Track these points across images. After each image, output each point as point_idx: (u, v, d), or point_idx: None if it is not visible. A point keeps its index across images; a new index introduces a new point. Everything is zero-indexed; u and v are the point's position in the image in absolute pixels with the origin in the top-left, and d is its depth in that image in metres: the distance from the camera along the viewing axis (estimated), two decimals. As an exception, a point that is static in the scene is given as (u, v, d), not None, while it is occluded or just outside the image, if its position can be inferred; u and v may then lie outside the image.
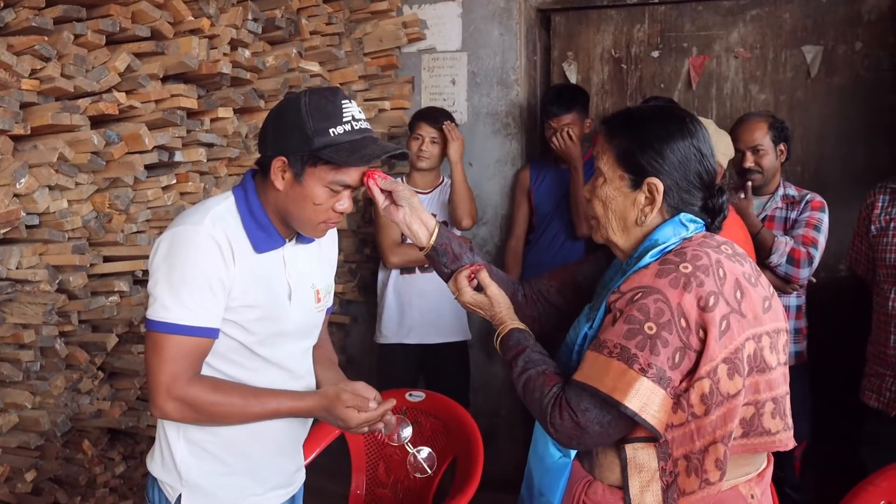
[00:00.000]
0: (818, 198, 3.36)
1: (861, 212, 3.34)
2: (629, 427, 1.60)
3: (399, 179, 3.95)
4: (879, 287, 3.19)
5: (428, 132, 3.86)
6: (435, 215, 3.89)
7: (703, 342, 1.54)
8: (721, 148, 3.00)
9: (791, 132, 3.50)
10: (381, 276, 3.99)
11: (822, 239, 3.28)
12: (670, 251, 1.65)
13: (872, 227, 3.24)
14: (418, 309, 3.83)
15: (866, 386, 3.23)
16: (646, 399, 1.54)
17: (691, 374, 1.55)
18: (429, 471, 1.98)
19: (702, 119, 2.95)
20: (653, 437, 1.59)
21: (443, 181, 3.99)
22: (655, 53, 4.25)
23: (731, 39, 4.13)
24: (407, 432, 1.93)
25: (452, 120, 3.92)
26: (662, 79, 4.26)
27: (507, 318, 1.85)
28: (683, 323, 1.54)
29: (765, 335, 1.61)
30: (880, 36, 3.90)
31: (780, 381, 1.63)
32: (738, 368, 1.55)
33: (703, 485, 1.56)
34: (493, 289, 1.89)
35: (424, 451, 1.98)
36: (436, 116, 3.89)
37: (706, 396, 1.53)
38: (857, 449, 3.32)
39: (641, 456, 1.61)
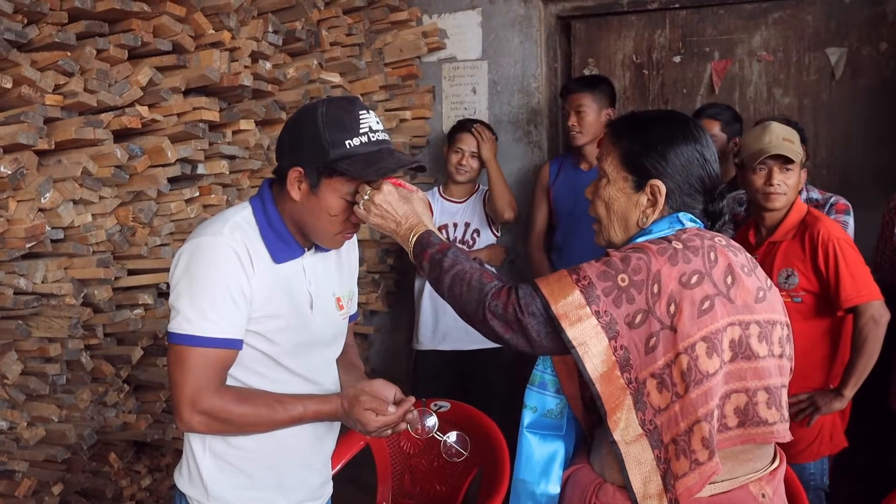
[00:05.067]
0: (842, 200, 3.31)
1: (884, 215, 3.29)
2: (561, 350, 1.61)
3: (435, 189, 3.94)
4: (904, 292, 3.13)
5: (469, 146, 3.90)
6: (469, 224, 3.91)
7: (674, 318, 1.56)
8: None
9: (816, 135, 3.45)
10: (417, 283, 4.02)
11: (847, 243, 3.23)
12: (665, 236, 1.68)
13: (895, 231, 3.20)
14: (452, 315, 3.81)
15: (895, 392, 3.18)
16: (586, 336, 1.57)
17: (667, 352, 1.57)
18: (464, 453, 1.96)
19: (770, 120, 2.92)
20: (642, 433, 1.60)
21: (478, 188, 4.00)
22: (677, 58, 4.23)
23: (754, 43, 4.10)
24: (431, 422, 1.91)
25: (489, 127, 3.96)
26: (685, 84, 4.23)
27: (428, 222, 1.83)
28: (656, 289, 1.57)
29: (754, 324, 1.62)
30: (906, 37, 3.85)
31: (772, 372, 1.63)
32: (716, 348, 1.56)
33: (693, 465, 1.56)
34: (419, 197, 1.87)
35: (453, 435, 1.97)
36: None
37: (685, 373, 1.55)
38: (886, 456, 3.27)
39: (635, 450, 1.61)
